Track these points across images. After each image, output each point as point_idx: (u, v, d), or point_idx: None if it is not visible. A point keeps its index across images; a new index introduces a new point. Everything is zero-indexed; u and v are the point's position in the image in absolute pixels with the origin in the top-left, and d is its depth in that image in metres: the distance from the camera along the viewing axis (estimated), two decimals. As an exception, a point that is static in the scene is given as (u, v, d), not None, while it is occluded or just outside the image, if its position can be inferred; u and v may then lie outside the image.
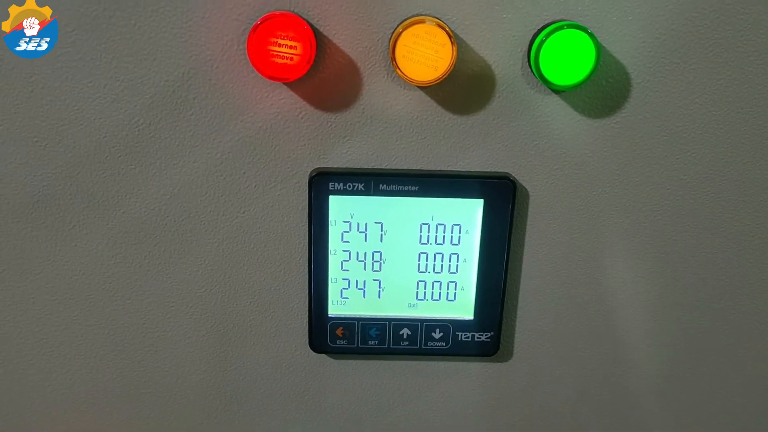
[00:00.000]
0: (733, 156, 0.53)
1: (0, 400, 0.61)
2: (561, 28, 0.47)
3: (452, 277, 0.57)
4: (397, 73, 0.48)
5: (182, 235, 0.55)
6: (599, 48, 0.47)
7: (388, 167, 0.53)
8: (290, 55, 0.48)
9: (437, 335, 0.58)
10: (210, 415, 0.63)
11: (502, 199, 0.54)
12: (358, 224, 0.55)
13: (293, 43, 0.47)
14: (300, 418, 0.63)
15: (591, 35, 0.47)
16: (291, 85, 0.51)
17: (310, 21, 0.49)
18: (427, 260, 0.56)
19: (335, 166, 0.53)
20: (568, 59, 0.47)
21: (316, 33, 0.49)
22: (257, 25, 0.47)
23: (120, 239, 0.55)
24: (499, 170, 0.54)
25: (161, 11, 0.48)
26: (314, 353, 0.59)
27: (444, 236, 0.55)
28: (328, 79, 0.51)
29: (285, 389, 0.61)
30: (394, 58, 0.47)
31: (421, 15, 0.48)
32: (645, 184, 0.54)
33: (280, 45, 0.47)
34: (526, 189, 0.54)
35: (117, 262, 0.56)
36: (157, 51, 0.49)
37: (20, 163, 0.52)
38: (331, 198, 0.53)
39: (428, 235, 0.55)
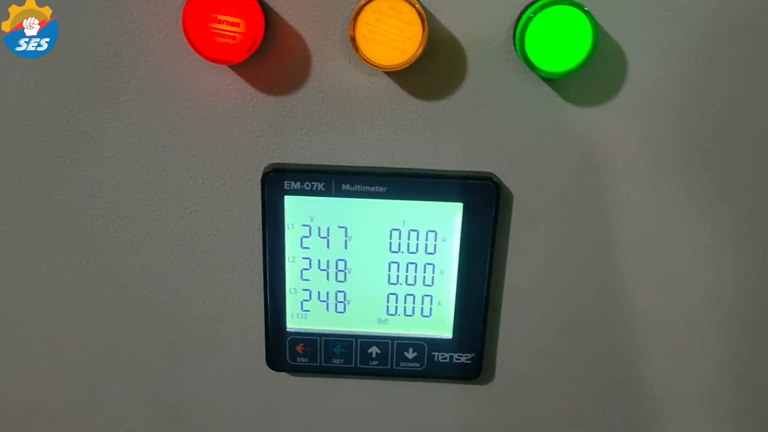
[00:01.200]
0: (756, 154, 0.50)
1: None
2: (551, 3, 0.44)
3: (427, 290, 0.54)
4: (358, 55, 0.45)
5: (121, 238, 0.53)
6: (596, 28, 0.44)
7: (351, 164, 0.51)
8: (232, 34, 0.44)
9: (410, 355, 0.55)
10: (157, 437, 0.61)
11: (484, 203, 0.51)
12: (319, 228, 0.52)
13: (235, 20, 0.44)
14: (258, 441, 0.61)
15: (587, 13, 0.44)
16: (237, 68, 0.48)
17: (258, -6, 0.46)
18: (398, 271, 0.53)
19: (291, 162, 0.50)
20: (559, 41, 0.44)
21: (265, 8, 0.46)
22: (194, -3, 0.43)
23: (50, 241, 0.53)
24: (481, 170, 0.51)
25: (86, -19, 0.45)
26: (273, 371, 0.56)
27: (417, 244, 0.52)
28: (280, 63, 0.48)
29: (240, 410, 0.59)
30: (354, 39, 0.45)
31: (387, -13, 0.45)
32: (643, 185, 0.51)
33: (220, 21, 0.44)
34: (510, 191, 0.51)
35: (49, 266, 0.54)
36: (83, 27, 0.46)
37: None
38: (287, 198, 0.51)
39: (399, 243, 0.52)
